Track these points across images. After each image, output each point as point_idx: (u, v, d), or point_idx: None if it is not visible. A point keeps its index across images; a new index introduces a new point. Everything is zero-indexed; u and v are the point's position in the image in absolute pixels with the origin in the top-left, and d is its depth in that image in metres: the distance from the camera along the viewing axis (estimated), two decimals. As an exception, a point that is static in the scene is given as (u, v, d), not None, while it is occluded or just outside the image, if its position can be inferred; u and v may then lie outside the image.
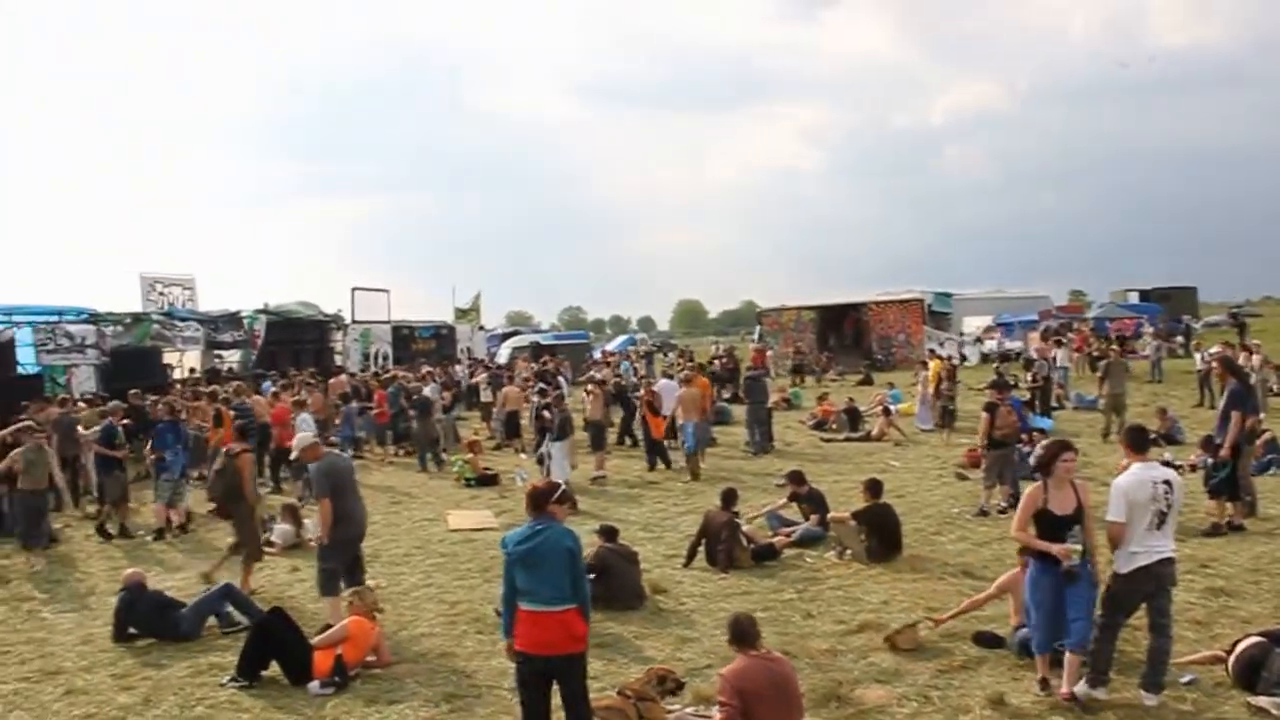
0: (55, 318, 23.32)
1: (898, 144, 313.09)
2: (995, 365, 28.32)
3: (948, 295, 49.96)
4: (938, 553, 11.35)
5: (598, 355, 42.29)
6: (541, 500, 6.16)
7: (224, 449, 11.87)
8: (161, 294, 28.55)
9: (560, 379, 24.97)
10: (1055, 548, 6.62)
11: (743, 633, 6.01)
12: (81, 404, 19.07)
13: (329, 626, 8.54)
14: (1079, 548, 6.59)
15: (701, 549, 11.29)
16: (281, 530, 13.03)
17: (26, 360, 22.52)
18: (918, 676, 7.49)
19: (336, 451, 9.97)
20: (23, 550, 12.94)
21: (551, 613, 5.87)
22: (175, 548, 13.48)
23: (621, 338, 69.84)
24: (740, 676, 5.81)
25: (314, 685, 7.79)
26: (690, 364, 26.35)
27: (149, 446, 15.05)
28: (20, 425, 14.02)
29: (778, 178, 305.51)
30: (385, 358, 36.48)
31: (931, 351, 30.49)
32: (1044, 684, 6.96)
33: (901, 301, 43.77)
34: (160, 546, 13.60)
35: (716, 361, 32.38)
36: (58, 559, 12.95)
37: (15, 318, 22.62)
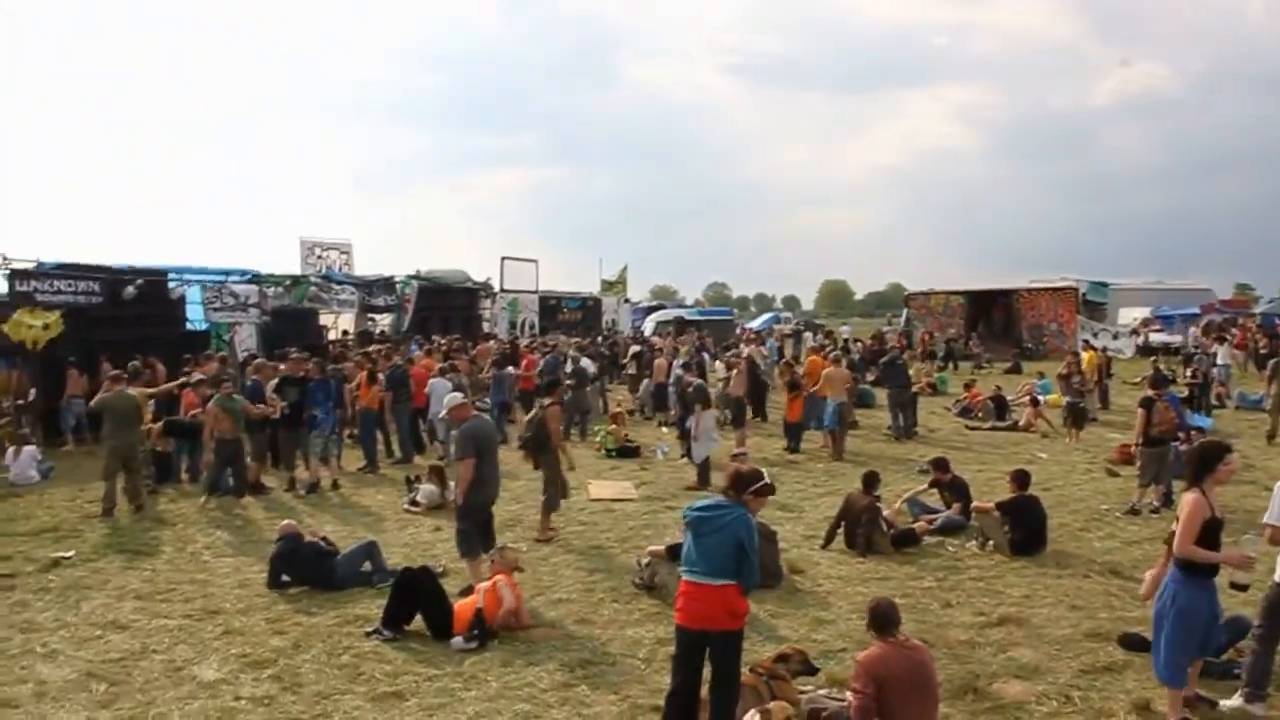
0: (222, 278, 24.52)
1: (1056, 126, 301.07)
2: (1153, 360, 27.23)
3: (1104, 285, 48.06)
4: (1084, 549, 11.07)
5: (740, 332, 42.27)
6: (742, 485, 6.17)
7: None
8: (320, 257, 29.71)
9: (704, 354, 25.07)
10: (1234, 556, 6.19)
11: (883, 618, 5.94)
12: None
13: (470, 589, 8.86)
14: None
15: (841, 531, 11.26)
16: (426, 490, 13.49)
17: (195, 317, 23.84)
18: (1059, 675, 7.33)
19: (484, 416, 10.28)
20: (205, 494, 13.91)
21: (712, 586, 5.89)
22: (326, 504, 14.10)
23: (765, 315, 69.55)
24: (877, 663, 5.74)
25: (456, 640, 8.10)
26: (834, 345, 26.17)
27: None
28: (213, 376, 15.17)
29: (930, 159, 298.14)
30: (532, 327, 37.20)
31: (1085, 342, 29.50)
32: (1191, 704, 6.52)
33: (1055, 289, 42.48)
34: (312, 500, 14.27)
35: (857, 344, 32.03)
36: (219, 508, 13.70)
37: (186, 277, 23.90)
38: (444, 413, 12.08)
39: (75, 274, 20.56)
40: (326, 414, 15.10)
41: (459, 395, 10.64)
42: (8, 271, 19.45)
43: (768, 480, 6.35)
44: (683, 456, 17.32)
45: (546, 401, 12.42)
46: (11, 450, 16.06)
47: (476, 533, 9.50)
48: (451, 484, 13.51)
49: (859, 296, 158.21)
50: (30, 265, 19.92)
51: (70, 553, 11.11)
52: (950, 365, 34.79)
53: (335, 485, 14.92)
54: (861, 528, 10.96)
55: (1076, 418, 19.28)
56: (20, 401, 18.74)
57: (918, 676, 5.79)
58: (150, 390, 15.36)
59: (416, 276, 31.86)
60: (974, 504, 11.79)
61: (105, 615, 8.96)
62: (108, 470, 13.36)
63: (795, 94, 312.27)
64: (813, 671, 6.98)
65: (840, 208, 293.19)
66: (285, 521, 10.68)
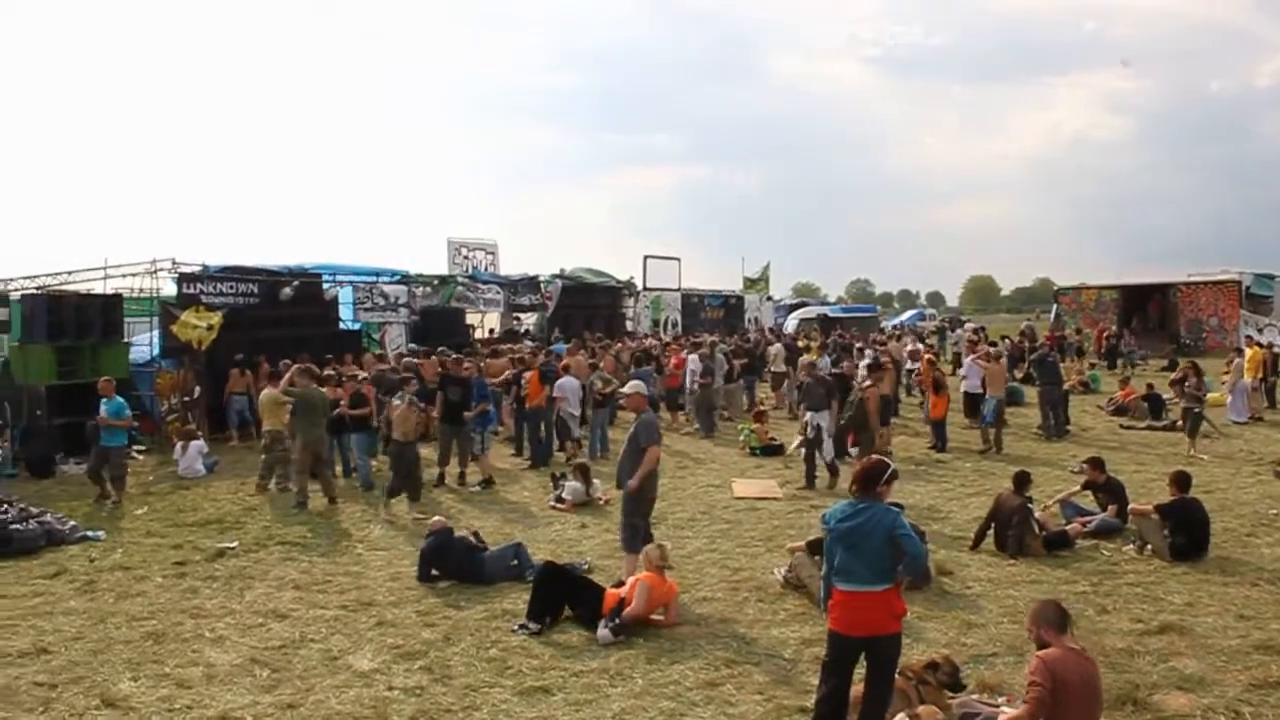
0: (373, 278, 25.38)
1: (1214, 111, 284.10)
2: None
3: (1270, 277, 45.43)
4: (1251, 556, 10.56)
5: (886, 329, 41.61)
6: (871, 480, 6.13)
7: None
8: (466, 257, 30.44)
9: (854, 351, 24.80)
10: None
11: (1063, 615, 5.68)
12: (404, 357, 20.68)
13: (621, 583, 9.00)
14: None
15: (990, 533, 11.02)
16: (572, 487, 13.71)
17: (347, 317, 24.74)
18: (1227, 689, 7.01)
19: (651, 409, 10.48)
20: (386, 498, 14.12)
21: (872, 593, 5.87)
22: (474, 500, 14.45)
23: (910, 312, 68.45)
24: (1058, 662, 5.51)
25: (602, 632, 8.25)
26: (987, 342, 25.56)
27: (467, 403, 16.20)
28: (378, 376, 15.94)
29: (1077, 148, 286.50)
30: (674, 325, 37.36)
31: (1249, 338, 28.08)
32: None
33: (1215, 282, 40.46)
34: (460, 496, 14.63)
35: (1006, 340, 31.20)
36: (372, 504, 14.21)
37: (339, 277, 24.85)
38: (622, 400, 12.44)
39: (236, 276, 21.59)
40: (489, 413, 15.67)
41: (640, 384, 10.81)
42: (177, 275, 20.54)
43: (893, 467, 6.33)
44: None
45: (866, 384, 13.48)
46: (180, 445, 16.96)
47: (645, 527, 9.65)
48: (596, 481, 13.80)
49: (1005, 292, 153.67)
50: (197, 269, 20.99)
51: (234, 544, 11.69)
52: (1110, 363, 33.56)
53: (490, 482, 15.24)
54: (1012, 529, 10.70)
55: (1193, 426, 17.59)
56: (186, 398, 19.79)
57: (1090, 687, 5.59)
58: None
59: (560, 276, 32.39)
60: (1131, 506, 11.39)
61: (267, 604, 9.40)
62: (300, 464, 14.08)
63: (937, 85, 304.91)
64: (958, 688, 6.77)
65: (984, 200, 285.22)
66: (435, 517, 11.04)
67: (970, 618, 8.68)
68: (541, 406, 17.46)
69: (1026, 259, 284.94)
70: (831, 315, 45.08)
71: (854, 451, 14.71)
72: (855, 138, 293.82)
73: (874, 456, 6.92)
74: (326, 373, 16.19)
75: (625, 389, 10.69)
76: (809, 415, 14.94)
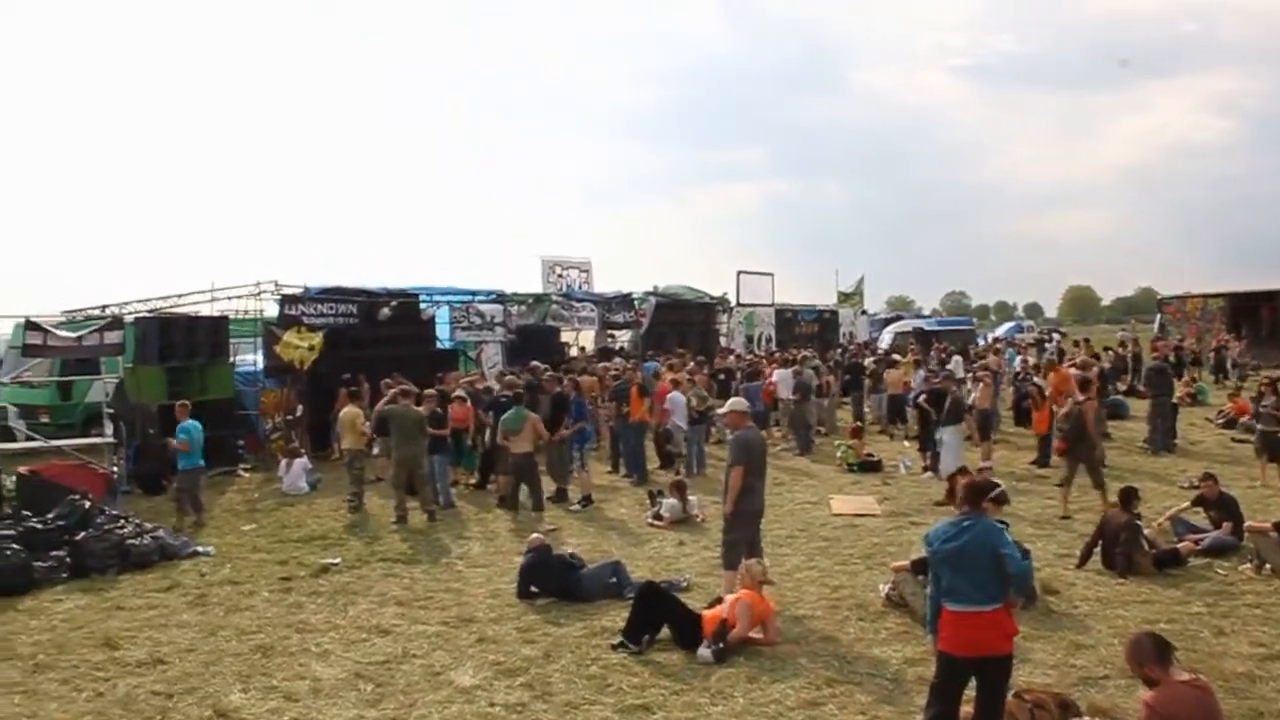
0: (469, 298, 25.71)
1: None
2: None
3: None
4: (1378, 576, 10.10)
5: (985, 342, 40.89)
6: (977, 496, 6.08)
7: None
8: (560, 276, 30.65)
9: (950, 364, 24.44)
10: None
11: (1164, 646, 5.40)
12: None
13: (719, 600, 8.97)
14: None
15: (1097, 550, 10.74)
16: (670, 504, 13.72)
17: (443, 336, 25.13)
18: (1366, 718, 6.72)
19: (753, 426, 10.45)
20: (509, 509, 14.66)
21: (982, 613, 5.80)
22: (572, 517, 14.54)
23: (1007, 325, 67.14)
24: (1169, 704, 5.19)
25: (702, 651, 8.21)
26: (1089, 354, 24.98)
27: (566, 420, 16.33)
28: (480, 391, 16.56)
29: (1178, 153, 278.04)
30: (768, 340, 37.16)
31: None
32: None
33: None
34: (557, 513, 14.68)
35: (1109, 351, 30.44)
36: (473, 521, 14.38)
37: (435, 298, 25.23)
38: (722, 412, 12.41)
39: (336, 297, 22.06)
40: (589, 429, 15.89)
41: (743, 401, 10.79)
42: (279, 297, 21.09)
43: (1001, 487, 6.23)
44: (925, 470, 17.01)
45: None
46: (284, 462, 17.39)
47: (744, 544, 9.60)
48: (693, 499, 13.79)
49: (1106, 302, 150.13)
50: (298, 290, 21.52)
51: (337, 560, 11.94)
52: (1222, 375, 32.48)
53: (588, 499, 15.29)
54: (1120, 546, 10.41)
55: (1271, 450, 15.54)
56: (289, 417, 20.28)
57: (1209, 717, 5.30)
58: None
59: (654, 293, 32.44)
60: (1247, 524, 11.02)
61: (370, 619, 9.57)
62: (396, 479, 14.49)
63: (1030, 93, 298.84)
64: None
65: (1082, 209, 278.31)
66: (534, 535, 11.14)
67: (1078, 638, 8.47)
68: (645, 421, 17.53)
69: (1127, 268, 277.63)
70: (927, 329, 44.35)
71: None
72: (946, 148, 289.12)
73: (984, 476, 6.80)
74: (428, 391, 16.43)
75: (728, 405, 10.66)
76: (942, 432, 14.86)
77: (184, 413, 14.57)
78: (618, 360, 25.60)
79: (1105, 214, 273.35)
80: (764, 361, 25.41)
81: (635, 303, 31.57)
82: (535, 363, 21.78)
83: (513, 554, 11.69)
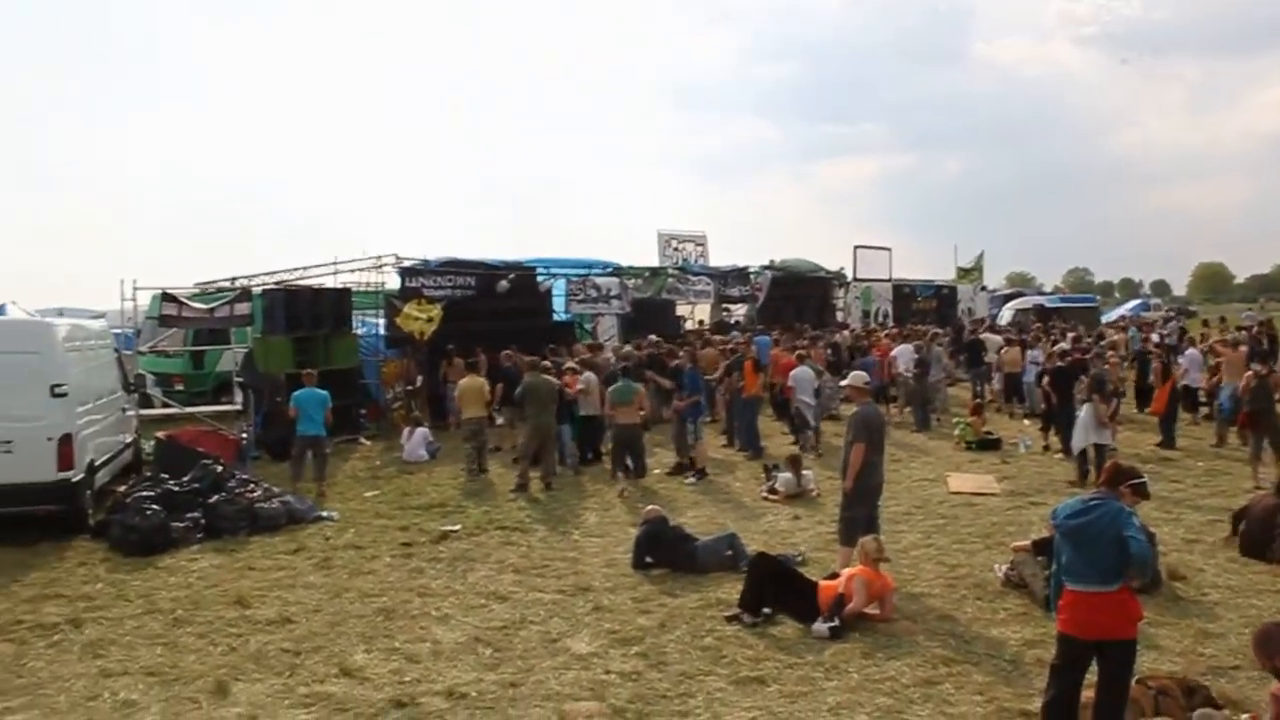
0: (585, 271, 25.96)
1: None
2: None
3: None
4: None
5: (1111, 318, 39.66)
6: (1117, 479, 5.91)
7: (1252, 369, 14.73)
8: (676, 249, 30.70)
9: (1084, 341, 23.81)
10: None
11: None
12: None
13: (835, 575, 8.96)
14: None
15: (1235, 539, 10.39)
16: (784, 478, 13.69)
17: (559, 309, 25.41)
18: None
19: (872, 402, 10.40)
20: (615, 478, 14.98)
21: (1104, 593, 5.66)
22: (687, 489, 14.59)
23: (1133, 302, 64.94)
24: None
25: (817, 625, 8.21)
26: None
27: (679, 392, 16.46)
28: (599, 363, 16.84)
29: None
30: (885, 316, 36.65)
31: None
32: None
33: None
34: (672, 485, 14.83)
35: (1242, 331, 29.19)
36: (590, 491, 14.60)
37: (552, 270, 25.53)
38: (810, 398, 12.30)
39: (455, 270, 22.48)
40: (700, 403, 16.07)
41: (864, 375, 10.75)
42: (400, 269, 21.58)
43: (1145, 478, 6.05)
44: (1045, 449, 16.68)
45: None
46: (407, 430, 17.85)
47: (862, 520, 9.57)
48: (808, 473, 13.74)
49: (1239, 280, 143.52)
50: (418, 263, 21.99)
51: (456, 527, 12.22)
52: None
53: (703, 472, 15.35)
54: (1274, 533, 9.98)
55: None
56: (410, 387, 20.79)
57: None
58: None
59: (770, 267, 32.25)
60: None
61: (488, 586, 9.79)
62: (525, 449, 14.86)
63: (1159, 62, 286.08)
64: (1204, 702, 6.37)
65: (1214, 181, 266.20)
66: (650, 506, 11.23)
67: (1207, 626, 8.22)
68: (758, 396, 17.52)
69: (1264, 243, 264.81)
70: (1049, 305, 43.18)
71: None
72: (1071, 120, 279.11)
73: (1132, 463, 6.60)
74: (544, 363, 16.69)
75: (845, 380, 10.58)
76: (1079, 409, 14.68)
77: (309, 380, 15.05)
78: (734, 334, 25.56)
79: (1242, 185, 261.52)
80: (876, 336, 25.06)
81: (751, 277, 31.46)
82: (652, 335, 21.94)
83: (628, 524, 11.84)
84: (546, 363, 16.39)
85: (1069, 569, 5.79)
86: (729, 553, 10.17)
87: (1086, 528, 5.72)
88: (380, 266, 21.55)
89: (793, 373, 17.68)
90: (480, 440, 16.05)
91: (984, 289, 47.10)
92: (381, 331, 21.72)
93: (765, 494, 13.75)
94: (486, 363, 18.44)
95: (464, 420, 16.33)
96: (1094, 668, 5.87)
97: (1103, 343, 22.65)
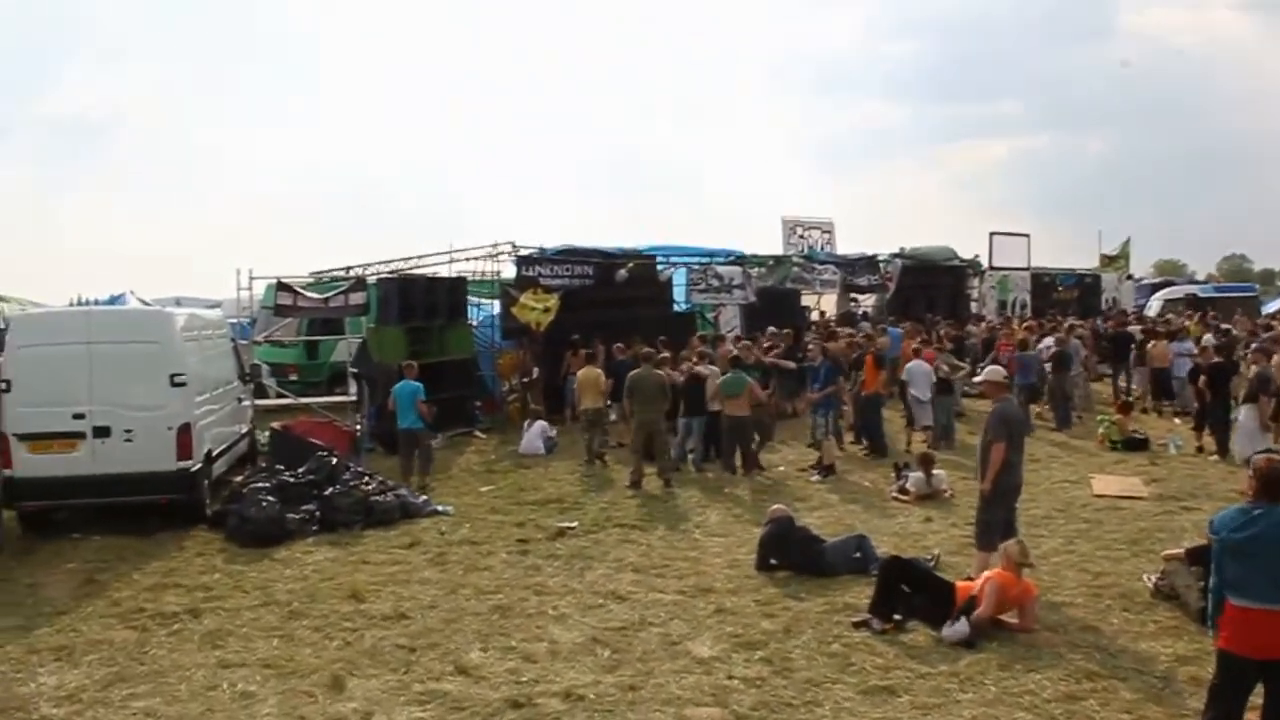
0: (707, 259, 25.88)
1: None
2: None
3: None
4: None
5: (1272, 309, 37.99)
6: (1276, 488, 5.66)
7: None
8: (801, 237, 30.39)
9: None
10: None
11: None
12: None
13: (969, 579, 8.78)
14: None
15: None
16: (915, 478, 13.49)
17: (680, 299, 25.40)
18: None
19: (1011, 398, 10.18)
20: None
21: (1273, 611, 5.47)
22: (814, 487, 14.49)
23: (1298, 292, 62.03)
24: None
25: (946, 629, 8.09)
26: None
27: (811, 385, 16.38)
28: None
29: None
30: (1023, 306, 35.68)
31: None
32: None
33: None
34: (800, 482, 14.76)
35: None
36: (711, 488, 14.59)
37: (673, 259, 25.52)
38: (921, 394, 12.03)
39: (573, 259, 22.60)
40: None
41: (1000, 370, 10.53)
42: (516, 258, 21.83)
43: None
44: (1199, 450, 16.19)
45: None
46: (526, 423, 18.08)
47: (1000, 524, 9.38)
48: (939, 472, 13.51)
49: None
50: (534, 252, 22.21)
51: (574, 524, 12.32)
52: None
53: (830, 469, 15.22)
54: None
55: None
56: (525, 379, 21.02)
57: None
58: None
59: (900, 255, 31.70)
60: None
61: (606, 585, 9.86)
62: (633, 444, 15.00)
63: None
64: None
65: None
66: (776, 505, 11.15)
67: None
68: (880, 393, 17.23)
69: None
70: (1202, 295, 41.46)
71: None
72: (1228, 92, 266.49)
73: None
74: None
75: (985, 373, 10.34)
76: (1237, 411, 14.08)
77: (409, 373, 15.29)
78: (863, 326, 25.21)
79: None
80: (1008, 329, 24.39)
81: (880, 265, 30.97)
82: (772, 328, 21.77)
83: (751, 524, 11.79)
84: (653, 352, 16.36)
85: (1235, 583, 5.58)
86: (858, 555, 10.08)
87: (1257, 539, 5.50)
88: (496, 255, 21.83)
89: (907, 366, 17.44)
90: (598, 431, 16.23)
91: (1130, 278, 45.58)
92: (497, 321, 21.97)
93: (895, 494, 13.58)
94: (603, 353, 18.55)
95: (581, 411, 16.53)
96: (1259, 689, 5.67)
97: (1266, 336, 21.59)
